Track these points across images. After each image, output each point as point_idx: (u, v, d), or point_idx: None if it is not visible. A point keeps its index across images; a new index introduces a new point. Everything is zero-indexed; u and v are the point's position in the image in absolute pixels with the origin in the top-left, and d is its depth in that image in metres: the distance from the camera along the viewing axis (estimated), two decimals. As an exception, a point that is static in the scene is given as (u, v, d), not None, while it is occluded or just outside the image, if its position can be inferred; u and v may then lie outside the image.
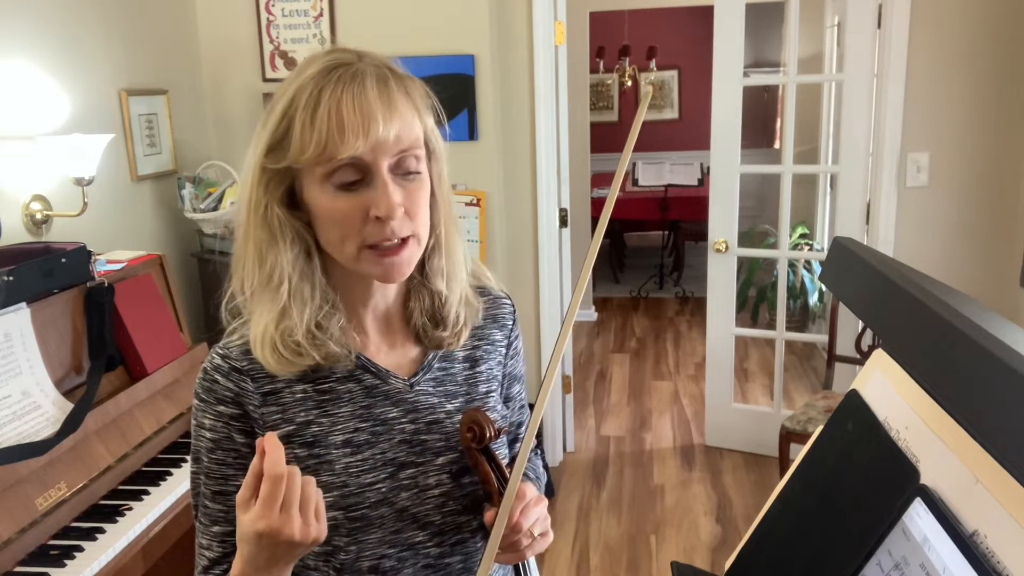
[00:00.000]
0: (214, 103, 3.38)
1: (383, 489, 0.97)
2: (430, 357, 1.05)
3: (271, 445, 0.81)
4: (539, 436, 3.50)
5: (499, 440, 1.02)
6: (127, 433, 2.05)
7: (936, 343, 0.62)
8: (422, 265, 1.01)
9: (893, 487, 0.65)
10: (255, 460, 0.82)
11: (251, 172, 0.93)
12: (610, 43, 7.76)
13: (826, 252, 0.91)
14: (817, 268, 4.92)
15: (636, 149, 0.86)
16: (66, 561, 1.66)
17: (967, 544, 0.55)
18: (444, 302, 1.03)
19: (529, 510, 0.94)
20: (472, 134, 3.25)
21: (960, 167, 3.22)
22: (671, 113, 8.90)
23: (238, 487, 0.84)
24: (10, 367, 1.82)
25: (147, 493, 1.93)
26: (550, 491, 3.49)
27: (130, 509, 1.86)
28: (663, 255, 7.10)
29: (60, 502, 1.78)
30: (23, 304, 1.87)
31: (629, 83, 7.72)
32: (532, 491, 0.97)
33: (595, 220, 5.70)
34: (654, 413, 4.39)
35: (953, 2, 3.09)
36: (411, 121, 0.92)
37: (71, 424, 1.86)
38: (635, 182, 6.62)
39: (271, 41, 3.31)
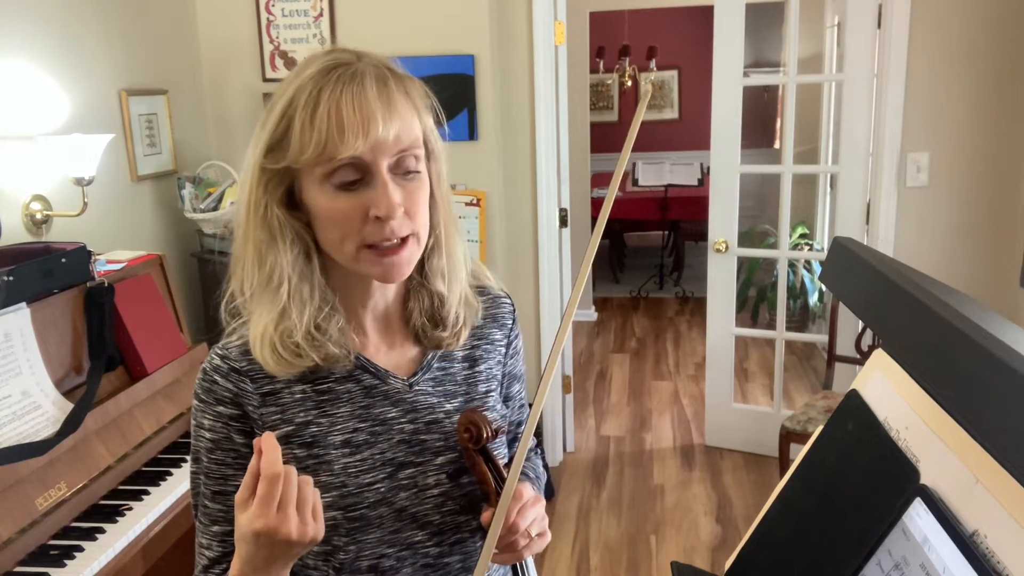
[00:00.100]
0: (214, 103, 3.38)
1: (382, 489, 0.97)
2: (429, 357, 1.05)
3: (268, 445, 0.81)
4: (539, 436, 3.50)
5: (497, 440, 1.02)
6: (127, 433, 2.05)
7: (936, 343, 0.62)
8: (421, 265, 1.01)
9: (893, 487, 0.65)
10: (253, 460, 0.82)
11: (250, 172, 0.93)
12: (610, 43, 7.76)
13: (826, 252, 0.91)
14: (817, 268, 4.92)
15: (636, 149, 0.86)
16: (66, 561, 1.66)
17: (967, 544, 0.55)
18: (443, 302, 1.03)
19: (526, 510, 0.94)
20: (472, 134, 3.25)
21: (960, 167, 3.22)
22: (671, 113, 8.90)
23: (237, 487, 0.84)
24: (10, 367, 1.82)
25: (147, 493, 1.93)
26: (550, 491, 3.49)
27: (130, 509, 1.86)
28: (663, 255, 7.10)
29: (60, 502, 1.78)
30: (23, 304, 1.87)
31: (629, 83, 7.72)
32: (529, 491, 0.97)
33: (595, 220, 5.70)
34: (654, 413, 4.39)
35: (953, 2, 3.09)
36: (410, 121, 0.92)
37: (71, 424, 1.86)
38: (635, 182, 6.62)
39: (271, 41, 3.31)
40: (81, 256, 2.07)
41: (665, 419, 4.30)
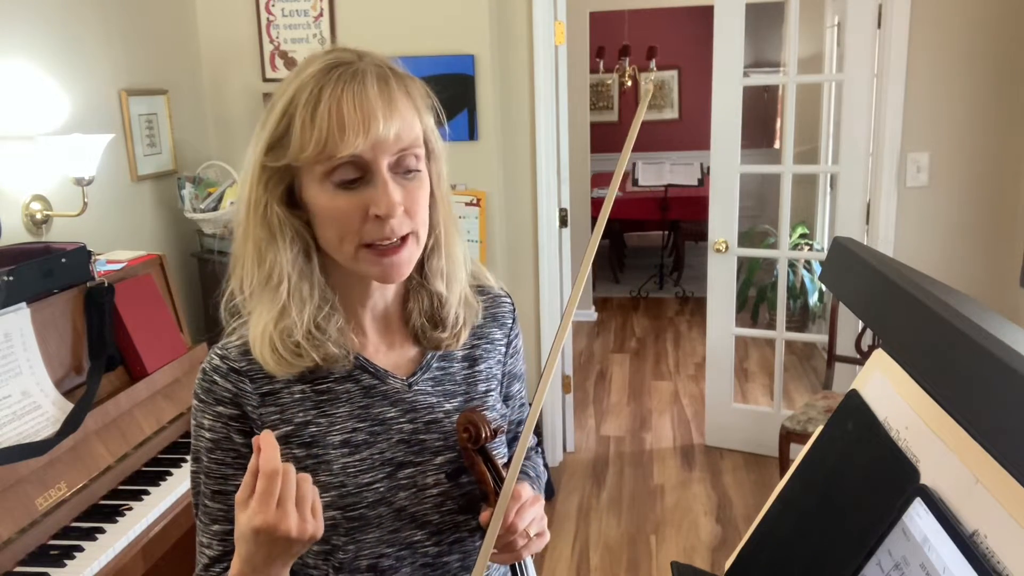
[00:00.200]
0: (214, 103, 3.38)
1: (381, 489, 0.98)
2: (428, 357, 1.05)
3: (267, 442, 0.81)
4: (539, 436, 3.50)
5: (497, 440, 1.02)
6: (127, 433, 2.05)
7: (936, 343, 0.62)
8: (421, 266, 1.01)
9: (893, 487, 0.65)
10: (252, 458, 0.82)
11: (251, 170, 0.93)
12: (610, 43, 7.76)
13: (826, 252, 0.91)
14: (817, 268, 4.92)
15: (636, 149, 0.86)
16: (66, 561, 1.66)
17: (967, 544, 0.55)
18: (443, 303, 1.03)
19: (525, 510, 0.94)
20: (472, 134, 3.25)
21: (960, 167, 3.22)
22: (671, 113, 8.90)
23: (237, 486, 0.84)
24: (10, 367, 1.82)
25: (147, 493, 1.93)
26: (550, 491, 3.49)
27: (130, 509, 1.86)
28: (663, 255, 7.10)
29: (60, 502, 1.78)
30: (23, 304, 1.87)
31: (629, 83, 7.72)
32: (528, 491, 0.97)
33: (595, 220, 5.70)
34: (654, 413, 4.39)
35: (953, 2, 3.09)
36: (411, 120, 0.92)
37: (71, 424, 1.86)
38: (635, 182, 6.62)
39: (271, 41, 3.31)
40: (81, 256, 2.07)
41: (665, 419, 4.30)
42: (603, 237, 0.87)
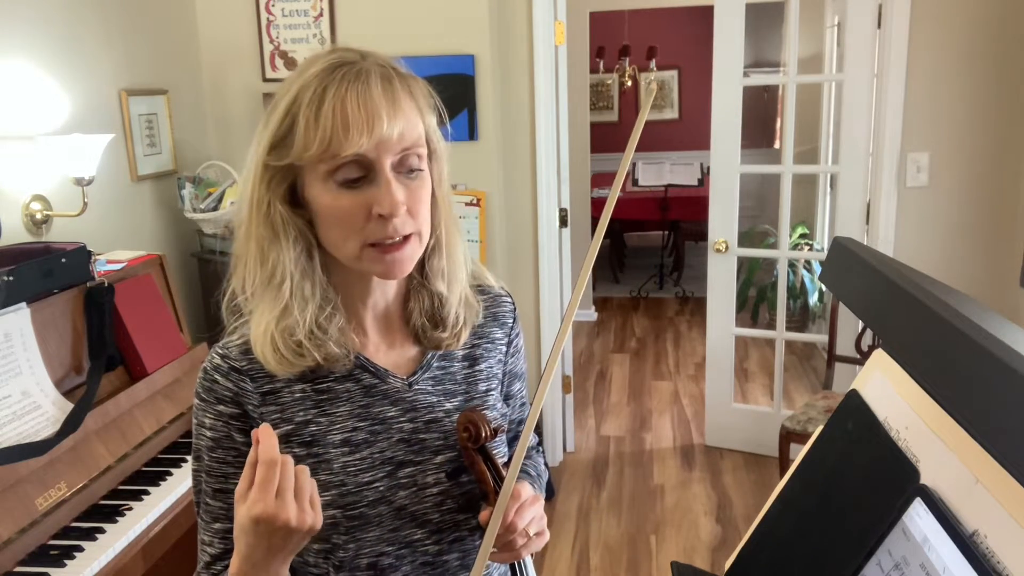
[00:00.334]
0: (214, 103, 3.38)
1: (381, 488, 0.98)
2: (429, 356, 1.05)
3: (265, 434, 0.82)
4: (539, 436, 3.50)
5: (497, 439, 1.02)
6: (127, 433, 2.05)
7: (936, 343, 0.62)
8: (422, 265, 1.01)
9: (893, 487, 0.65)
10: (251, 451, 0.82)
11: (253, 169, 0.94)
12: (610, 43, 7.76)
13: (826, 252, 0.91)
14: (817, 268, 4.92)
15: (636, 149, 0.86)
16: (66, 561, 1.66)
17: (967, 544, 0.55)
18: (444, 303, 1.03)
19: (524, 510, 0.94)
20: (472, 134, 3.25)
21: (960, 167, 3.22)
22: (671, 113, 8.90)
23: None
24: (10, 367, 1.82)
25: (147, 493, 1.93)
26: (551, 491, 3.49)
27: (130, 509, 1.86)
28: (663, 255, 7.10)
29: (60, 502, 1.78)
30: (23, 304, 1.87)
31: (629, 83, 7.72)
32: (528, 491, 0.97)
33: (595, 220, 5.71)
34: (654, 413, 4.39)
35: (953, 2, 3.09)
36: (414, 120, 0.92)
37: (71, 424, 1.86)
38: (635, 182, 6.62)
39: (271, 41, 3.31)
40: (81, 256, 2.07)
41: (665, 419, 4.30)
42: (603, 237, 0.87)
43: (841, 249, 0.84)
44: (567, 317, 0.86)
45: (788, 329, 3.88)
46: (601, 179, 6.94)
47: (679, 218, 7.00)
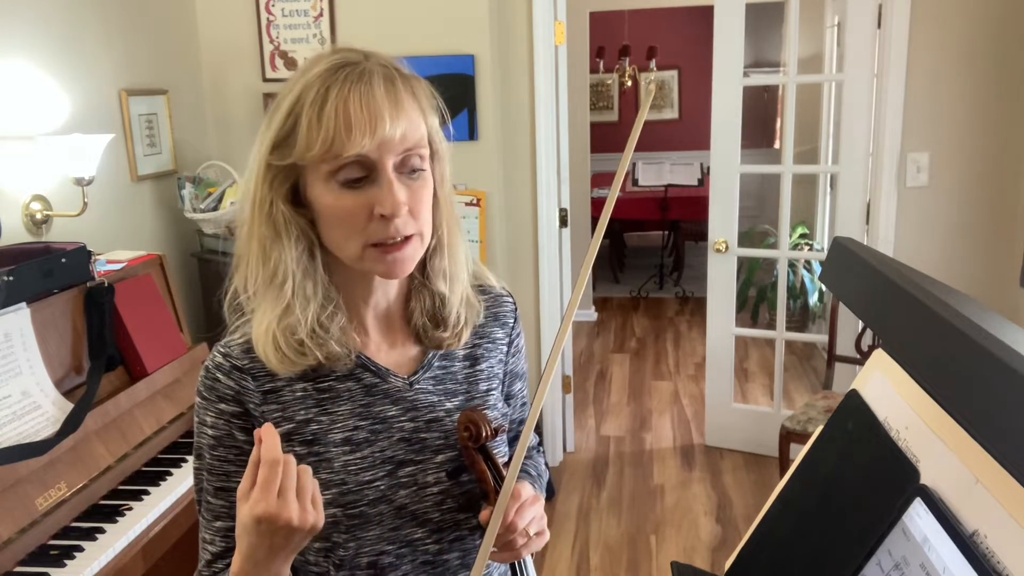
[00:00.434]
0: (214, 103, 3.38)
1: (382, 487, 0.98)
2: (430, 356, 1.05)
3: (267, 433, 0.82)
4: (539, 436, 3.50)
5: (497, 439, 1.02)
6: (127, 433, 2.05)
7: (936, 343, 0.62)
8: (423, 265, 1.01)
9: (893, 487, 0.65)
10: (253, 451, 0.83)
11: (256, 169, 0.94)
12: (610, 43, 7.76)
13: (826, 252, 0.91)
14: (817, 268, 4.92)
15: (636, 149, 0.86)
16: (66, 561, 1.66)
17: (967, 544, 0.55)
18: (445, 303, 1.03)
19: (524, 510, 0.94)
20: (472, 134, 3.25)
21: (960, 167, 3.22)
22: (671, 113, 8.90)
23: (239, 483, 0.84)
24: (10, 367, 1.82)
25: (147, 493, 1.93)
26: (551, 491, 3.49)
27: (130, 509, 1.86)
28: (663, 255, 7.10)
29: (60, 502, 1.78)
30: (23, 304, 1.87)
31: (629, 83, 7.72)
32: (528, 490, 0.97)
33: (595, 220, 5.70)
34: (654, 413, 4.39)
35: (953, 2, 3.09)
36: (417, 121, 0.92)
37: (71, 424, 1.86)
38: (635, 182, 6.62)
39: (271, 41, 3.31)
40: (81, 256, 2.07)
41: (665, 419, 4.30)
42: (603, 237, 0.87)
43: (841, 249, 0.84)
44: (567, 317, 0.86)
45: (788, 329, 3.88)
46: (601, 179, 6.94)
47: (679, 218, 7.00)
